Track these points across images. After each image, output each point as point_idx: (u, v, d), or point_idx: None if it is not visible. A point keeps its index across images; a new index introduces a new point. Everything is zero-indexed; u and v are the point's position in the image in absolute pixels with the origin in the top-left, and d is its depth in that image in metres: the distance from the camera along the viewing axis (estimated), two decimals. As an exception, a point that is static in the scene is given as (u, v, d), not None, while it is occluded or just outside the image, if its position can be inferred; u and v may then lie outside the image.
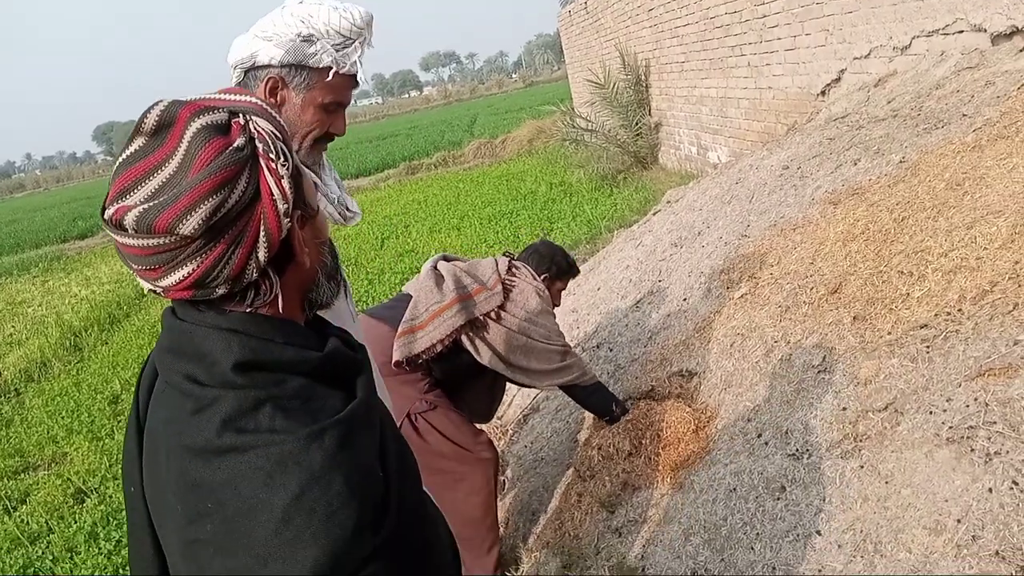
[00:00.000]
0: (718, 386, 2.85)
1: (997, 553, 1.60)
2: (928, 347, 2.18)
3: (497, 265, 2.99)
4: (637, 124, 11.22)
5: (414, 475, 1.06)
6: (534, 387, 3.07)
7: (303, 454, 0.85)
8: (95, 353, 8.37)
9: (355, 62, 1.70)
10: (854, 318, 2.51)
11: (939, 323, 2.22)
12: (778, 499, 2.14)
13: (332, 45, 1.65)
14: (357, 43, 1.69)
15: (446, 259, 3.09)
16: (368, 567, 0.86)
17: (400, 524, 0.92)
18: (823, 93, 5.81)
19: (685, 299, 3.67)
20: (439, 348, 2.83)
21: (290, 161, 0.93)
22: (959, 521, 1.71)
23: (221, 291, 0.92)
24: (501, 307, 2.88)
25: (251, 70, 1.68)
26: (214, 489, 0.86)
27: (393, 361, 2.82)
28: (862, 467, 2.01)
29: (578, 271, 3.25)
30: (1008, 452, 1.74)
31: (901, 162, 3.24)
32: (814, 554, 1.93)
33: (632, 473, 2.74)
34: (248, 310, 0.96)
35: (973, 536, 1.67)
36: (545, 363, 2.92)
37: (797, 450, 2.23)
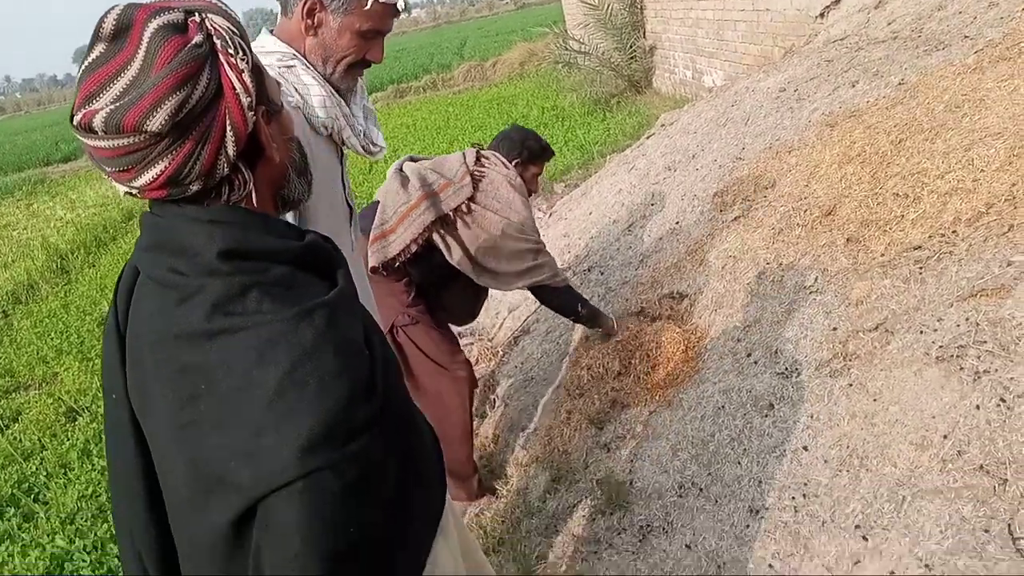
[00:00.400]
0: (709, 307, 2.86)
1: (981, 467, 1.63)
2: (921, 268, 2.17)
3: (464, 158, 2.90)
4: (631, 47, 10.99)
5: (397, 370, 1.08)
6: (502, 290, 3.02)
7: (293, 332, 0.88)
8: (82, 275, 8.31)
9: None
10: (847, 240, 2.50)
11: (933, 244, 2.22)
12: (766, 416, 2.17)
13: None
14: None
15: (412, 159, 3.00)
16: (359, 439, 0.89)
17: (388, 403, 0.95)
18: (822, 15, 5.68)
19: (678, 222, 3.65)
20: (413, 248, 2.77)
21: (249, 56, 0.94)
22: (945, 437, 1.73)
23: (196, 187, 0.93)
24: (471, 199, 2.79)
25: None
26: (206, 371, 0.88)
27: (369, 268, 2.79)
28: (851, 385, 2.03)
29: (552, 153, 3.15)
30: (997, 370, 1.76)
31: (900, 84, 3.19)
32: (800, 468, 1.96)
33: (621, 391, 2.77)
34: (233, 201, 0.98)
35: (959, 451, 1.69)
36: (516, 263, 2.85)
37: (786, 369, 2.25)
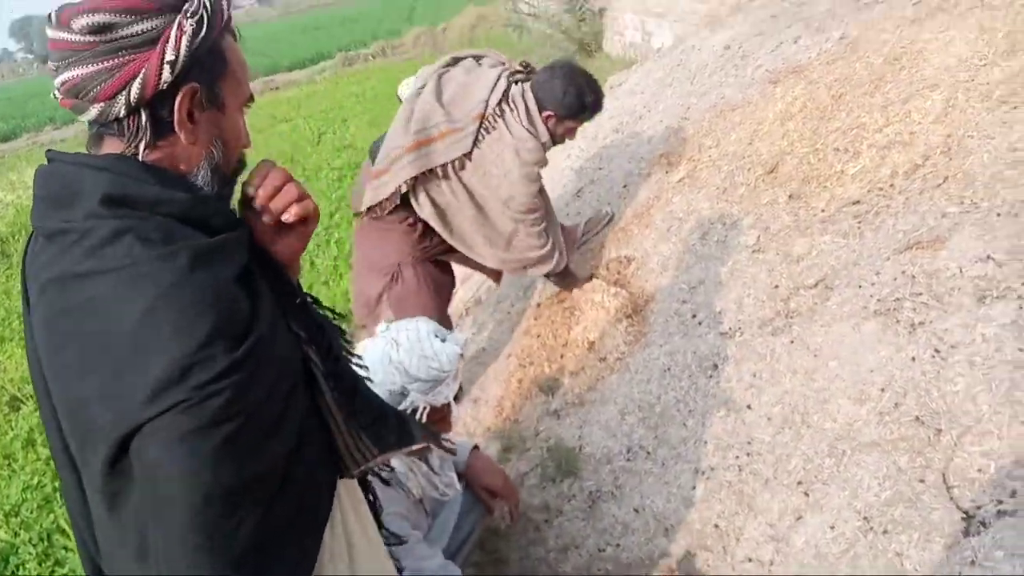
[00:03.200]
0: (655, 270, 2.85)
1: (917, 418, 1.65)
2: (860, 223, 2.18)
3: (492, 91, 2.60)
4: (581, 9, 10.88)
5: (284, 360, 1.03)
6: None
7: (154, 273, 0.89)
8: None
9: (446, 395, 1.75)
10: (789, 197, 2.50)
11: (871, 199, 2.22)
12: (710, 376, 2.17)
13: (423, 392, 1.71)
14: (449, 379, 1.73)
15: (455, 61, 2.74)
16: (223, 381, 0.87)
17: (263, 356, 0.93)
18: (767, -29, 5.65)
19: (625, 185, 3.63)
20: (397, 199, 2.62)
21: (204, 34, 0.97)
22: (883, 390, 1.75)
23: (93, 112, 0.96)
24: (467, 155, 2.57)
25: None
26: (73, 313, 0.90)
27: (363, 206, 2.68)
28: (792, 342, 2.04)
29: (596, 110, 2.74)
30: (932, 322, 1.77)
31: (841, 38, 3.18)
32: (744, 427, 1.97)
33: (569, 359, 2.76)
34: (127, 153, 0.99)
35: (895, 403, 1.71)
36: (495, 244, 2.73)
37: (730, 329, 2.25)
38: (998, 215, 1.88)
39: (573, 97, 2.61)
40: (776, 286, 2.24)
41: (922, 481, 1.56)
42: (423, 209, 2.65)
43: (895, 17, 3.03)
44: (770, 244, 2.39)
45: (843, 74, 2.85)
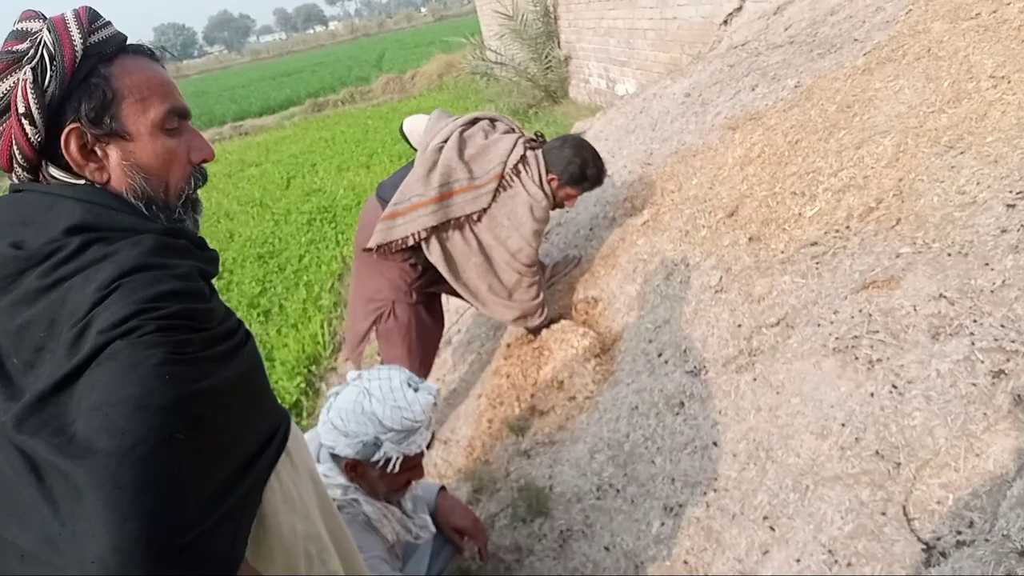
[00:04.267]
0: (622, 310, 2.90)
1: (877, 452, 1.70)
2: (818, 263, 2.25)
3: (510, 154, 2.82)
4: (547, 57, 11.10)
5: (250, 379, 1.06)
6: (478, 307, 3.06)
7: (117, 256, 0.93)
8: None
9: (420, 444, 1.75)
10: (750, 239, 2.57)
11: (828, 240, 2.30)
12: (677, 414, 2.21)
13: (396, 442, 1.71)
14: (422, 428, 1.74)
15: (475, 122, 2.93)
16: (170, 320, 0.89)
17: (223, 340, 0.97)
18: (725, 22, 5.85)
19: (591, 228, 3.70)
20: (411, 242, 2.76)
21: (51, 76, 0.98)
22: (843, 425, 1.80)
23: (13, 180, 1.02)
24: (484, 210, 2.77)
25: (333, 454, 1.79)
26: (46, 319, 0.91)
27: (372, 243, 2.78)
28: (755, 380, 2.08)
29: (595, 183, 2.97)
30: (889, 358, 1.83)
31: (796, 87, 3.31)
32: (711, 464, 2.00)
33: (539, 398, 2.78)
34: (93, 184, 1.03)
35: (856, 438, 1.76)
36: (497, 293, 2.89)
37: (695, 367, 2.30)
38: (949, 255, 1.95)
39: (577, 167, 2.86)
40: (739, 325, 2.29)
41: (883, 514, 1.60)
42: (432, 255, 2.80)
43: (847, 67, 3.16)
44: (732, 284, 2.46)
45: (799, 121, 2.95)
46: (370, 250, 2.84)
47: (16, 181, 1.03)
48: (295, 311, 5.24)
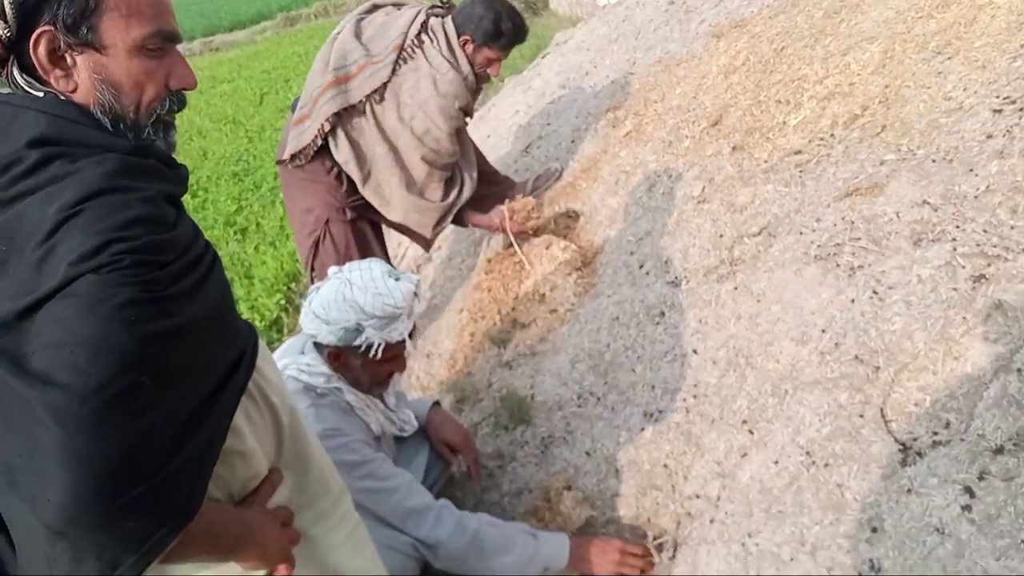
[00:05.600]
0: (603, 223, 2.88)
1: (856, 357, 1.71)
2: (801, 172, 2.23)
3: (411, 24, 2.56)
4: (526, -33, 10.76)
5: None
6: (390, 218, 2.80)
7: (80, 174, 0.89)
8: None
9: (401, 332, 1.74)
10: (733, 148, 2.54)
11: (812, 148, 2.27)
12: (657, 324, 2.21)
13: (378, 328, 1.71)
14: (403, 316, 1.73)
15: (375, 8, 2.68)
16: (136, 254, 0.87)
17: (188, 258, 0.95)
18: (711, -73, 5.66)
19: (573, 140, 3.64)
20: (319, 142, 2.56)
21: None
22: (823, 331, 1.81)
23: None
24: (384, 86, 2.52)
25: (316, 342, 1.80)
26: (3, 230, 0.88)
27: (285, 154, 2.62)
28: (736, 288, 2.09)
29: (515, 39, 2.66)
30: (870, 264, 1.83)
31: (783, -8, 3.22)
32: (690, 371, 2.02)
33: (520, 311, 2.78)
34: (58, 95, 0.98)
35: (836, 343, 1.77)
36: (407, 191, 2.65)
37: (676, 277, 2.30)
38: (933, 161, 1.94)
39: (490, 22, 2.57)
40: (721, 235, 2.28)
41: (861, 416, 1.62)
42: (340, 152, 2.59)
43: (835, -29, 3.08)
44: (715, 195, 2.44)
45: (784, 28, 2.89)
46: (284, 162, 2.68)
47: None
48: (272, 228, 5.18)
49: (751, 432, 1.79)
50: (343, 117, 2.56)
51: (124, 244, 0.85)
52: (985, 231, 1.72)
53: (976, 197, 1.78)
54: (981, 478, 1.38)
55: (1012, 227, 1.68)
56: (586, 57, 4.50)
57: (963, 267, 1.68)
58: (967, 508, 1.36)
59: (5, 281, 0.86)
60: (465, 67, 2.61)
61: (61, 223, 0.85)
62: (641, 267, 2.47)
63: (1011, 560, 1.26)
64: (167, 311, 0.88)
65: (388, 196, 2.70)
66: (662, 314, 2.24)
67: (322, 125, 2.53)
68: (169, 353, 0.87)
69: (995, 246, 1.67)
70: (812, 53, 2.61)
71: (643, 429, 2.01)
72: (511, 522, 1.88)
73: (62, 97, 0.99)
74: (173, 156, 1.08)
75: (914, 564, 1.36)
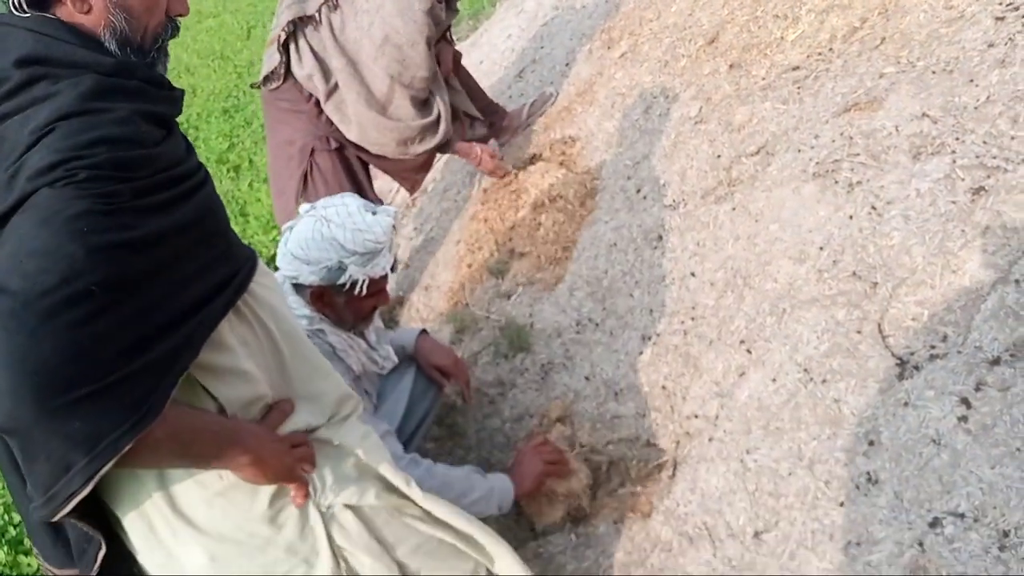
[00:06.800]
0: (600, 148, 2.84)
1: (854, 274, 1.70)
2: (799, 88, 2.19)
3: None
4: None
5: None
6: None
7: (57, 97, 0.93)
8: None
9: (383, 266, 1.71)
10: (730, 66, 2.48)
11: (810, 64, 2.22)
12: (655, 248, 2.20)
13: (360, 265, 1.67)
14: (385, 249, 1.70)
15: None
16: (98, 169, 0.90)
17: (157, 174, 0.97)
18: None
19: (567, 64, 3.56)
20: (282, 56, 2.46)
21: None
22: (821, 248, 1.80)
23: None
24: None
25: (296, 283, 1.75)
26: None
27: (261, 76, 2.55)
28: (734, 209, 2.07)
29: None
30: (869, 180, 1.81)
31: (781, -99, 3.11)
32: (688, 293, 2.02)
33: (517, 240, 2.76)
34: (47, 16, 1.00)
35: (834, 261, 1.76)
36: (370, 107, 2.50)
37: (674, 200, 2.27)
38: (933, 73, 1.89)
39: None
40: (718, 156, 2.25)
41: (859, 332, 1.63)
42: (304, 67, 2.47)
43: None
44: (712, 114, 2.39)
45: (783, -62, 2.79)
46: (258, 86, 2.60)
47: None
48: (266, 165, 5.11)
49: (749, 352, 1.79)
50: (304, 30, 2.45)
51: (81, 161, 0.88)
52: (985, 142, 1.69)
53: (976, 108, 1.74)
54: (978, 389, 1.39)
55: (1012, 137, 1.65)
56: (579, -23, 4.37)
57: (962, 180, 1.65)
58: (963, 419, 1.37)
59: None
60: None
61: (32, 144, 0.89)
62: (638, 191, 2.44)
63: (1006, 468, 1.27)
64: (124, 223, 0.90)
65: (348, 113, 2.55)
66: (660, 238, 2.22)
67: (279, 36, 2.44)
68: (125, 264, 0.90)
69: (995, 157, 1.64)
70: (811, -36, 2.53)
71: (641, 353, 2.02)
72: (459, 466, 1.88)
73: (51, 16, 1.00)
74: (165, 77, 1.12)
75: (911, 475, 1.38)
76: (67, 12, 1.01)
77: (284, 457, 1.15)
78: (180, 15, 1.14)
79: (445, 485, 1.69)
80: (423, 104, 2.59)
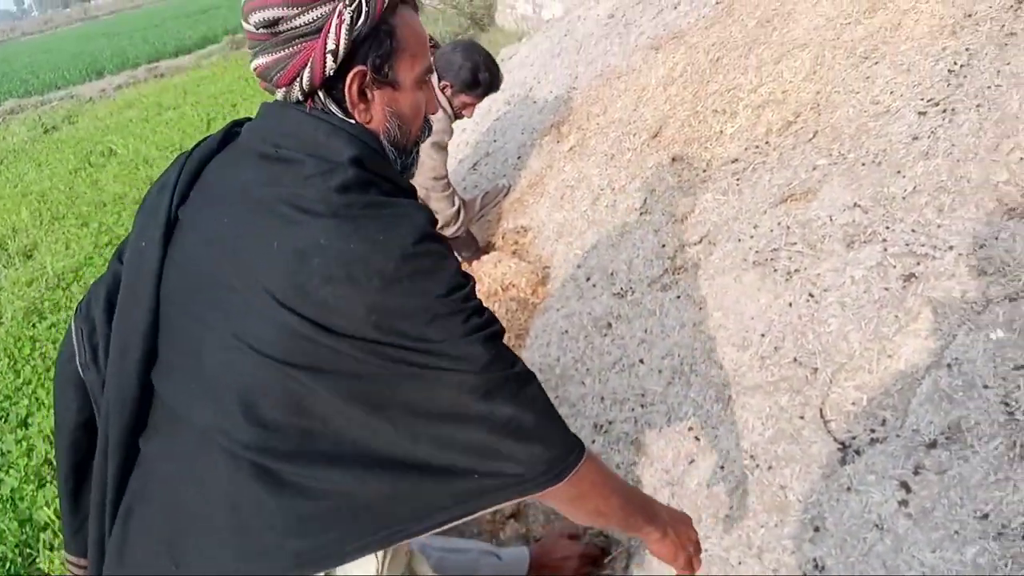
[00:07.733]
0: (551, 238, 2.90)
1: (795, 360, 1.74)
2: (738, 180, 2.27)
3: None
4: (471, -15, 10.83)
5: None
6: None
7: (414, 215, 1.01)
8: None
9: None
10: (673, 159, 2.57)
11: (748, 156, 2.32)
12: (605, 335, 2.23)
13: None
14: None
15: None
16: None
17: None
18: (649, -58, 5.76)
19: (519, 157, 3.67)
20: None
21: (363, 20, 1.03)
22: (763, 335, 1.84)
23: (280, 94, 1.07)
24: None
25: None
26: (324, 233, 0.96)
27: None
28: (679, 297, 2.11)
29: (490, 88, 2.89)
30: (806, 268, 1.87)
31: (717, 3, 3.28)
32: (638, 381, 2.03)
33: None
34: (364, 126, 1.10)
35: (775, 347, 1.80)
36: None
37: (622, 289, 2.32)
38: (863, 164, 1.99)
39: (468, 72, 2.78)
40: (663, 245, 2.31)
41: (802, 418, 1.65)
42: None
43: (766, -19, 3.14)
44: (656, 205, 2.46)
45: (720, 38, 2.94)
46: None
47: (278, 97, 1.09)
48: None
49: (697, 439, 1.80)
50: None
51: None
52: (914, 230, 1.76)
53: (904, 198, 1.82)
54: (916, 472, 1.41)
55: (939, 226, 1.73)
56: (530, 72, 4.53)
57: (894, 267, 1.72)
58: (904, 503, 1.39)
59: (314, 281, 0.97)
60: (448, 108, 2.84)
61: (403, 263, 0.96)
62: (588, 279, 2.49)
63: (946, 551, 1.28)
64: None
65: None
66: (609, 325, 2.25)
67: None
68: None
69: (923, 245, 1.71)
70: (746, 62, 2.66)
71: (593, 441, 2.02)
72: (471, 541, 1.87)
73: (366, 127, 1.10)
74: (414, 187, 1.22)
75: (856, 561, 1.38)
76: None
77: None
78: (432, 114, 1.22)
79: (438, 569, 1.65)
80: (450, 198, 2.96)
